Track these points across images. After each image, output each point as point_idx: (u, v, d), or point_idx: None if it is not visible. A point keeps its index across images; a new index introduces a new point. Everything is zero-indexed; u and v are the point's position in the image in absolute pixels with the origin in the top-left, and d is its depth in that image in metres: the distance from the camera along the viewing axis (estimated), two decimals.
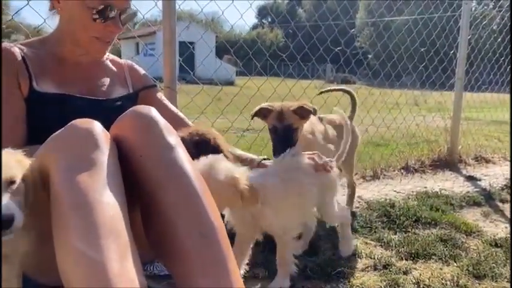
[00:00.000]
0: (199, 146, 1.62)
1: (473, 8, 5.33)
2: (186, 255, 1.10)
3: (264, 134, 3.83)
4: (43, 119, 1.52)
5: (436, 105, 5.67)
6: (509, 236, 2.30)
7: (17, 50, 1.54)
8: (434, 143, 4.53)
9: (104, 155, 1.09)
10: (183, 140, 1.53)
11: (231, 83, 15.66)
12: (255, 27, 51.31)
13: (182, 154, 1.22)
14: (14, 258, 1.13)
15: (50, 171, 1.05)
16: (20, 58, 1.53)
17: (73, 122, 1.12)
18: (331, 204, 1.91)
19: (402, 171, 3.82)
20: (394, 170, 3.79)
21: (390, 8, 4.67)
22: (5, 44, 1.56)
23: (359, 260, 2.00)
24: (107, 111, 1.48)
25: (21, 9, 2.14)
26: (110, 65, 1.82)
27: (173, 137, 1.23)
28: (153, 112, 1.25)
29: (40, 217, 1.21)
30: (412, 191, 3.23)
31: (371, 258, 2.01)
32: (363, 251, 2.08)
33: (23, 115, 1.51)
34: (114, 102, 1.72)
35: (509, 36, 5.27)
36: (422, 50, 4.67)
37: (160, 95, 1.92)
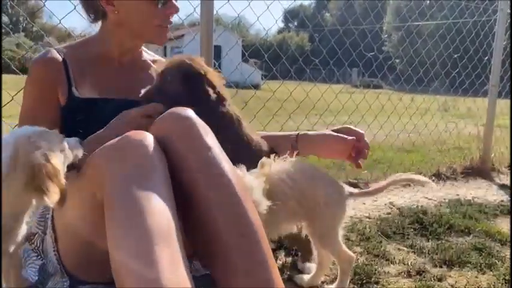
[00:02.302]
0: (190, 81, 1.55)
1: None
2: (226, 255, 1.12)
3: None
4: (81, 123, 1.57)
5: (466, 112, 5.59)
6: None
7: (57, 57, 1.59)
8: (466, 150, 4.46)
9: (156, 165, 1.12)
10: (167, 70, 1.55)
11: (256, 87, 15.72)
12: (280, 31, 51.41)
13: (220, 154, 1.23)
14: None
15: (105, 180, 1.09)
16: (59, 63, 1.58)
17: (127, 133, 1.16)
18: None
19: (433, 178, 3.78)
20: (425, 177, 3.75)
21: (421, 12, 4.62)
22: (48, 51, 1.61)
23: (392, 265, 2.00)
24: None
25: (68, 13, 2.22)
26: (152, 65, 1.87)
27: (211, 138, 1.25)
28: (191, 113, 1.27)
29: (86, 221, 1.28)
30: (444, 199, 3.20)
31: (404, 264, 2.01)
32: (395, 257, 2.08)
33: (58, 121, 1.56)
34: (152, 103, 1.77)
35: None
36: (455, 55, 4.61)
37: None
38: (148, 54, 1.87)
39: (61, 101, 1.57)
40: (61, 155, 1.13)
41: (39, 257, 1.49)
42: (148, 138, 1.16)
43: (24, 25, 34.57)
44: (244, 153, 1.57)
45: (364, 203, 2.96)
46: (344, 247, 1.64)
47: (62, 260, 1.42)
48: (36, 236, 1.48)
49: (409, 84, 4.59)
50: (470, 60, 4.71)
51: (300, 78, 5.22)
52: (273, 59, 3.42)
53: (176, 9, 1.64)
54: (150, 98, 1.52)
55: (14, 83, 2.33)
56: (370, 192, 1.79)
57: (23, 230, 1.20)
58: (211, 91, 1.54)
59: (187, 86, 1.53)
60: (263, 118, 3.26)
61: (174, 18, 1.69)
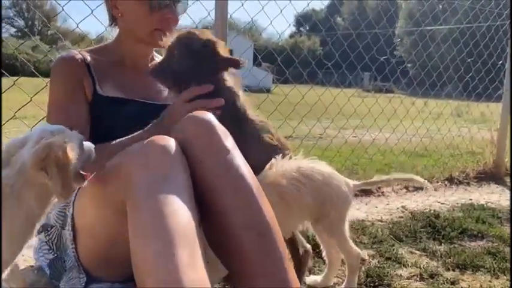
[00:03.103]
0: (197, 53, 1.51)
1: None
2: (244, 254, 1.15)
3: (307, 142, 3.89)
4: (104, 120, 1.62)
5: (479, 117, 5.55)
6: None
7: (81, 57, 1.65)
8: (479, 155, 4.43)
9: (179, 169, 1.15)
10: (174, 44, 1.53)
11: (268, 91, 15.76)
12: (292, 35, 51.45)
13: (239, 157, 1.26)
14: None
15: (129, 184, 1.12)
16: (84, 64, 1.64)
17: (151, 138, 1.19)
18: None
19: (446, 182, 3.76)
20: (437, 181, 3.74)
21: (435, 17, 4.61)
22: (72, 51, 1.67)
23: (404, 268, 2.01)
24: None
25: (86, 18, 2.28)
26: None
27: (230, 141, 1.28)
28: (211, 117, 1.29)
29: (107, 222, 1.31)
30: (457, 203, 3.18)
31: (416, 267, 2.01)
32: (408, 260, 2.08)
33: (88, 117, 1.62)
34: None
35: None
36: (468, 60, 4.59)
37: None
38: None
39: (88, 97, 1.62)
40: (77, 152, 1.17)
41: (50, 250, 1.52)
42: (171, 143, 1.19)
43: (39, 29, 35.09)
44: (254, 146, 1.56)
45: (377, 207, 2.97)
46: (351, 242, 1.67)
47: (80, 257, 1.46)
48: (54, 228, 1.51)
49: (421, 88, 4.57)
50: (484, 64, 4.68)
51: (311, 82, 5.23)
52: (284, 63, 3.43)
53: (174, 16, 1.65)
54: (158, 74, 1.55)
55: (33, 85, 2.38)
56: (371, 183, 1.89)
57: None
58: (219, 61, 1.51)
59: (194, 58, 1.51)
60: (275, 122, 3.27)
61: (187, 22, 1.72)
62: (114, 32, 1.77)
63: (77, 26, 2.29)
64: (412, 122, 4.11)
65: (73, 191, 1.15)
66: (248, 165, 1.28)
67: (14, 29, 48.00)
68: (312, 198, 1.53)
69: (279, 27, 3.20)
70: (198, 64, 1.50)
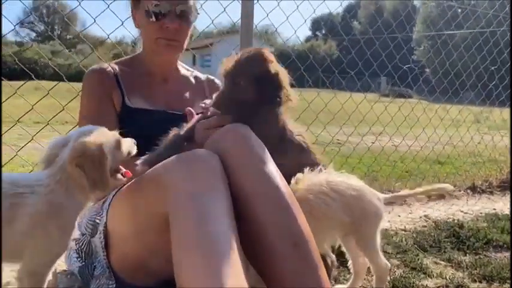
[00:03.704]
0: (264, 84, 1.40)
1: None
2: (279, 264, 1.17)
3: (327, 148, 3.89)
4: (131, 131, 1.66)
5: (503, 124, 5.47)
6: None
7: (110, 69, 1.72)
8: (502, 163, 4.38)
9: (219, 182, 1.18)
10: (237, 71, 1.39)
11: None
12: (308, 39, 51.39)
13: (273, 168, 1.29)
14: None
15: (170, 195, 1.16)
16: (113, 76, 1.71)
17: (192, 152, 1.23)
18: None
19: (468, 191, 3.73)
20: (460, 190, 3.71)
21: (454, 22, 4.57)
22: (102, 63, 1.74)
23: (430, 279, 2.00)
24: None
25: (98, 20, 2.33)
26: (193, 80, 1.96)
27: (264, 152, 1.31)
28: (247, 129, 1.33)
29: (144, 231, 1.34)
30: (481, 212, 3.15)
31: (442, 278, 2.00)
32: (433, 270, 2.07)
33: (117, 127, 1.67)
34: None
35: None
36: (492, 68, 4.54)
37: None
38: (187, 70, 1.97)
39: (116, 109, 1.67)
40: (114, 151, 1.22)
41: (79, 258, 1.57)
42: (211, 156, 1.23)
43: (59, 33, 35.78)
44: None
45: (399, 216, 2.96)
46: (381, 255, 1.68)
47: (112, 263, 1.49)
48: (84, 237, 1.55)
49: (440, 94, 4.53)
50: (499, 70, 4.62)
51: (326, 87, 5.21)
52: (299, 68, 3.44)
53: (172, 24, 1.66)
54: (220, 106, 1.44)
55: (58, 89, 2.43)
56: (400, 196, 1.89)
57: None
58: (283, 95, 1.41)
59: (260, 89, 1.39)
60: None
61: (201, 25, 1.74)
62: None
63: (109, 35, 2.34)
64: (435, 130, 4.08)
65: (111, 187, 1.23)
66: (283, 177, 1.31)
67: (35, 34, 49.01)
68: (344, 214, 1.54)
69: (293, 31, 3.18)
70: (264, 95, 1.40)
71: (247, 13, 2.45)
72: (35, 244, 1.13)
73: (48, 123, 2.19)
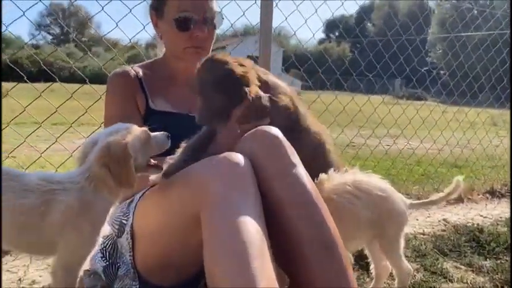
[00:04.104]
0: (224, 86, 1.40)
1: None
2: (309, 267, 1.19)
3: (345, 151, 3.88)
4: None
5: None
6: None
7: (134, 73, 1.74)
8: None
9: (250, 184, 1.21)
10: (198, 80, 1.40)
11: None
12: (321, 41, 51.31)
13: (303, 172, 1.31)
14: None
15: (203, 197, 1.18)
16: (137, 80, 1.73)
17: (225, 155, 1.25)
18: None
19: (487, 195, 3.68)
20: (478, 194, 3.67)
21: (467, 23, 4.51)
22: (125, 67, 1.77)
23: (450, 283, 1.98)
24: None
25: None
26: None
27: (295, 157, 1.33)
28: (277, 132, 1.34)
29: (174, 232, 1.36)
30: (500, 217, 3.11)
31: (463, 282, 1.99)
32: (454, 275, 2.05)
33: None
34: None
35: None
36: (506, 67, 4.47)
37: None
38: None
39: (141, 111, 1.69)
40: (143, 147, 1.24)
41: (103, 258, 1.59)
42: (244, 160, 1.24)
43: (74, 36, 36.22)
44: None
45: (417, 219, 2.94)
46: (404, 259, 1.67)
47: (137, 263, 1.51)
48: (109, 237, 1.57)
49: (457, 96, 4.48)
50: None
51: (340, 89, 5.20)
52: (313, 69, 3.43)
53: (201, 33, 1.68)
54: (204, 121, 1.46)
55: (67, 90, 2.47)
56: (431, 202, 1.87)
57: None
58: (251, 90, 1.39)
59: (226, 92, 1.40)
60: None
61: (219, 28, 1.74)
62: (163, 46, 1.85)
63: (134, 39, 2.37)
64: (453, 134, 4.04)
65: (141, 185, 1.26)
66: (311, 180, 1.32)
67: (51, 37, 49.74)
68: (369, 211, 1.54)
69: (307, 33, 3.16)
70: (232, 97, 1.41)
71: (266, 14, 2.45)
72: (66, 239, 1.16)
73: (71, 126, 2.23)
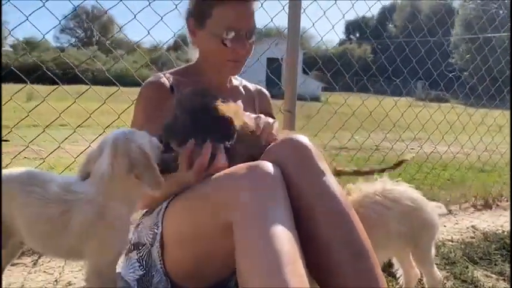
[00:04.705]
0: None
1: None
2: (340, 274, 1.20)
3: (363, 154, 3.86)
4: None
5: None
6: None
7: (166, 81, 1.75)
8: None
9: (281, 192, 1.22)
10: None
11: (316, 99, 15.72)
12: (342, 42, 51.00)
13: (332, 180, 1.32)
14: None
15: (235, 206, 1.19)
16: (168, 87, 1.72)
17: (256, 164, 1.26)
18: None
19: None
20: (507, 200, 3.59)
21: (492, 24, 4.41)
22: (157, 75, 1.78)
23: None
24: None
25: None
26: (242, 90, 1.98)
27: (324, 164, 1.34)
28: (306, 140, 1.36)
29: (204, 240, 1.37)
30: None
31: None
32: (485, 283, 2.02)
33: None
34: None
35: None
36: None
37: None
38: (236, 79, 2.00)
39: None
40: (152, 149, 1.25)
41: (141, 267, 1.62)
42: (274, 168, 1.26)
43: (97, 39, 36.88)
44: None
45: (445, 226, 2.90)
46: (435, 267, 1.67)
47: (168, 270, 1.54)
48: (144, 247, 1.60)
49: (480, 98, 4.38)
50: None
51: (361, 91, 5.15)
52: (335, 71, 3.40)
53: (243, 50, 1.69)
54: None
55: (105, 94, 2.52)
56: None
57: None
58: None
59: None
60: (330, 133, 3.28)
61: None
62: (195, 53, 1.87)
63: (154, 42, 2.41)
64: (481, 139, 3.97)
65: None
66: (341, 188, 1.33)
67: (74, 39, 50.75)
68: (400, 224, 1.53)
69: (327, 35, 3.15)
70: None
71: (295, 18, 2.44)
72: (89, 247, 1.20)
73: (105, 130, 2.28)
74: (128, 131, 1.23)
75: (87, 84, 2.54)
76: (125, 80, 2.53)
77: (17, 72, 2.18)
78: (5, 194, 1.20)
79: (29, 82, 2.28)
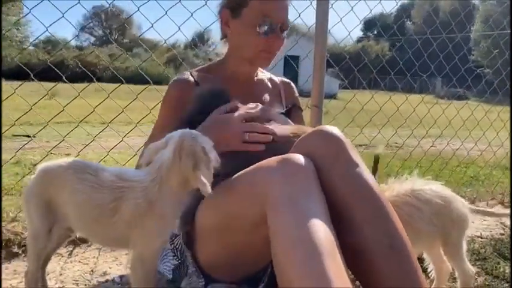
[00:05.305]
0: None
1: None
2: (376, 267, 1.19)
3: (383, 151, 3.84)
4: None
5: None
6: None
7: (192, 79, 1.78)
8: None
9: (314, 184, 1.21)
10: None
11: (333, 96, 15.62)
12: (360, 40, 50.60)
13: (366, 170, 1.31)
14: None
15: (268, 199, 1.19)
16: (193, 82, 1.77)
17: (288, 156, 1.26)
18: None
19: None
20: None
21: None
22: (184, 73, 1.81)
23: None
24: None
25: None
26: (268, 83, 2.00)
27: (357, 155, 1.33)
28: (338, 131, 1.35)
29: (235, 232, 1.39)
30: None
31: None
32: None
33: None
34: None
35: None
36: None
37: (301, 117, 2.02)
38: (262, 72, 2.02)
39: None
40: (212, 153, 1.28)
41: (175, 257, 1.65)
42: (306, 160, 1.25)
43: (116, 37, 37.32)
44: None
45: (473, 222, 2.84)
46: (467, 261, 1.66)
47: (200, 261, 1.56)
48: (178, 237, 1.64)
49: (498, 95, 4.31)
50: None
51: (378, 88, 5.10)
52: (350, 69, 3.38)
53: (278, 41, 1.73)
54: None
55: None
56: (489, 213, 1.92)
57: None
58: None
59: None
60: (349, 130, 3.27)
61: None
62: (224, 47, 1.90)
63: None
64: (497, 135, 3.92)
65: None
66: (374, 180, 1.32)
67: (94, 38, 51.43)
68: (430, 225, 1.53)
69: (345, 32, 3.13)
70: None
71: (323, 11, 2.44)
72: (136, 235, 1.23)
73: (136, 125, 2.32)
74: (194, 133, 1.26)
75: (105, 82, 2.59)
76: (144, 78, 2.56)
77: (53, 67, 2.23)
78: (55, 181, 1.25)
79: (62, 77, 2.33)
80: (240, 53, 1.80)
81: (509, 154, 4.09)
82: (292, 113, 1.96)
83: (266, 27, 1.69)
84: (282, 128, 1.52)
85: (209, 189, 1.18)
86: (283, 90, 2.03)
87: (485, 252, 2.29)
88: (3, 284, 1.69)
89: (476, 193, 3.44)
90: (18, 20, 21.26)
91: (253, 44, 1.73)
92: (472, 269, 1.67)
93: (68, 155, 4.06)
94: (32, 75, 2.06)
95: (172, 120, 1.67)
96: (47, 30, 2.16)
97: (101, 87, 2.40)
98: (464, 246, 1.66)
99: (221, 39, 1.90)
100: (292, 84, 2.11)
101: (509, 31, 5.05)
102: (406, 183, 1.62)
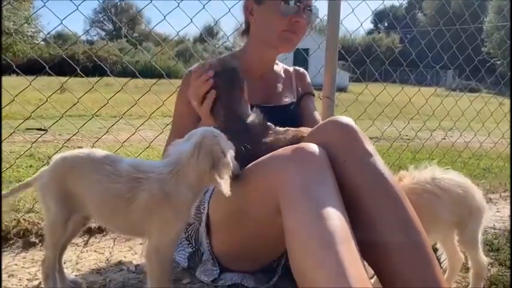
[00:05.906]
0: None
1: None
2: (392, 257, 1.20)
3: (395, 143, 3.82)
4: None
5: None
6: None
7: None
8: None
9: (328, 174, 1.22)
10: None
11: (343, 89, 15.53)
12: (370, 32, 50.19)
13: (380, 161, 1.31)
14: None
15: (282, 188, 1.20)
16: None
17: (301, 145, 1.27)
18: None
19: None
20: None
21: None
22: (201, 63, 1.81)
23: None
24: (282, 117, 1.64)
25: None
26: (282, 73, 2.01)
27: (371, 146, 1.33)
28: (350, 121, 1.35)
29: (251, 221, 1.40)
30: None
31: None
32: None
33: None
34: (287, 108, 1.90)
35: None
36: None
37: (313, 103, 2.05)
38: (277, 64, 2.03)
39: None
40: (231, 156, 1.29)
41: (190, 245, 1.67)
42: (319, 149, 1.26)
43: (125, 31, 37.43)
44: None
45: None
46: (481, 252, 1.66)
47: (214, 250, 1.58)
48: (192, 226, 1.66)
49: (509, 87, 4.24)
50: None
51: (389, 80, 5.06)
52: (362, 61, 3.35)
53: (301, 19, 1.73)
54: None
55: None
56: None
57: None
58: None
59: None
60: (360, 122, 3.26)
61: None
62: (241, 41, 1.91)
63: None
64: (510, 127, 3.88)
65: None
66: (389, 169, 1.32)
67: (104, 33, 51.67)
68: (450, 213, 1.53)
69: (355, 24, 3.13)
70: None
71: (335, 2, 2.44)
72: (152, 225, 1.24)
73: (149, 116, 2.34)
74: (217, 132, 1.27)
75: (116, 76, 2.61)
76: (152, 72, 2.58)
77: (69, 60, 2.24)
78: (73, 171, 1.27)
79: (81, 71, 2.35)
80: (263, 37, 1.80)
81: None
82: (303, 100, 1.98)
83: (290, 6, 1.70)
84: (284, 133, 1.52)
85: (227, 190, 1.18)
86: (295, 78, 2.05)
87: (498, 243, 2.28)
88: (22, 272, 1.73)
89: (489, 185, 3.42)
90: (31, 15, 21.44)
91: (276, 23, 1.74)
92: (486, 260, 1.67)
93: (80, 147, 4.10)
94: (47, 68, 2.08)
95: (190, 114, 1.67)
96: (61, 23, 2.16)
97: (115, 80, 2.42)
98: (480, 237, 1.65)
99: (242, 32, 1.92)
100: (305, 72, 2.11)
101: None
102: (426, 171, 1.62)
